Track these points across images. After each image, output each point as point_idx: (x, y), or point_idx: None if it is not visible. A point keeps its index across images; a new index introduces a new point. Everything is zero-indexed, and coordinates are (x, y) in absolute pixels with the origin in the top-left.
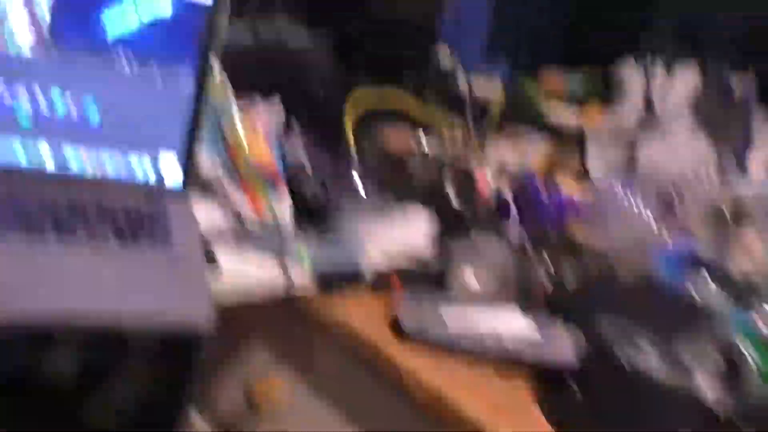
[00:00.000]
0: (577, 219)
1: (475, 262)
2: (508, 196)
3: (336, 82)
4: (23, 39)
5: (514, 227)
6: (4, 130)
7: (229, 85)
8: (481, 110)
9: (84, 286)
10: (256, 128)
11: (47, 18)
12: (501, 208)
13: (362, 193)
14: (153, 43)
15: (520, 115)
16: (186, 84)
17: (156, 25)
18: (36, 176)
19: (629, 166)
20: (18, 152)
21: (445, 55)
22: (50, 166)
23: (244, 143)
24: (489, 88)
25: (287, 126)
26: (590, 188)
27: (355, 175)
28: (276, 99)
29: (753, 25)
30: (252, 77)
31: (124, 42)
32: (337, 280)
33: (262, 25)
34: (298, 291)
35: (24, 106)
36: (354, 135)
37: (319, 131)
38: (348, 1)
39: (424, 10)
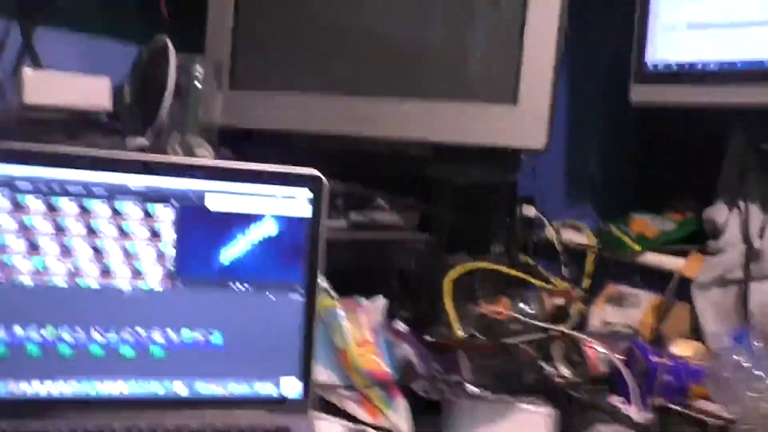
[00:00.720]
0: (698, 387)
1: None
2: (620, 364)
3: (428, 259)
4: (152, 275)
5: (634, 403)
6: (141, 363)
7: (332, 291)
8: (574, 261)
9: None
10: (363, 331)
11: (173, 255)
12: (614, 379)
13: (473, 388)
14: (264, 266)
15: (614, 261)
16: (297, 301)
17: (265, 249)
18: (168, 404)
19: (740, 315)
20: (154, 384)
21: (531, 212)
22: (182, 393)
23: (354, 350)
24: (579, 235)
25: (390, 317)
26: (707, 349)
27: (463, 368)
28: (378, 296)
29: None
30: (349, 268)
31: (239, 270)
32: None
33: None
34: None
35: (157, 339)
36: (454, 310)
37: (419, 314)
38: (424, 177)
39: (500, 173)
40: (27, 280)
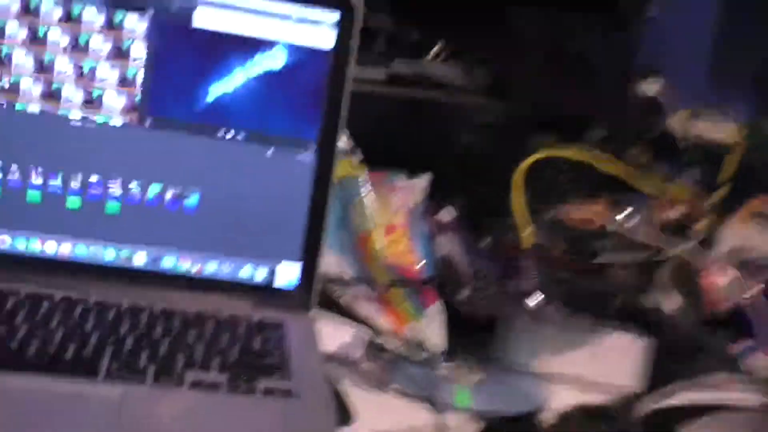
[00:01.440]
0: None
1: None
2: (754, 303)
3: (498, 135)
4: (112, 106)
5: (764, 353)
6: (91, 216)
7: (359, 156)
8: (708, 163)
9: None
10: (393, 215)
11: (141, 89)
12: (740, 321)
13: (539, 301)
14: (265, 110)
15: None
16: (307, 162)
17: (268, 88)
18: (121, 276)
19: None
20: (103, 248)
21: (653, 89)
22: (140, 263)
23: (379, 236)
24: (719, 131)
25: (436, 207)
26: None
27: (529, 275)
28: (423, 176)
29: None
30: (387, 133)
31: (231, 113)
32: (507, 426)
33: (398, 64)
34: None
35: (114, 191)
36: (526, 209)
37: (476, 207)
38: (503, 24)
39: (611, 25)
40: None
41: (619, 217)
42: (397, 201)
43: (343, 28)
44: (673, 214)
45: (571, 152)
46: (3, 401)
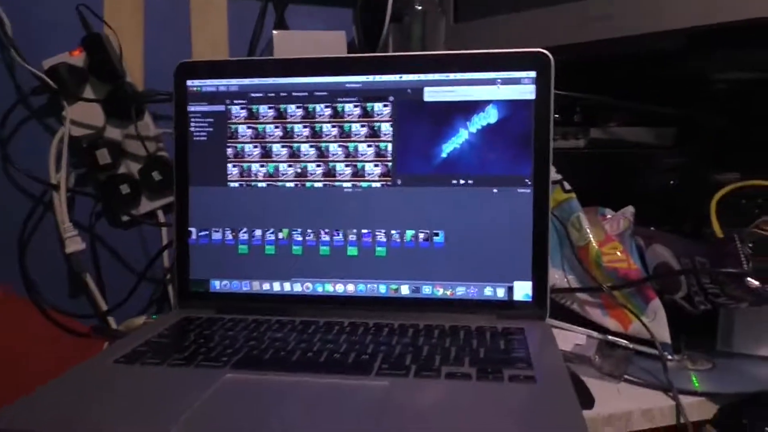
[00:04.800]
0: None
1: None
2: None
3: (688, 177)
4: (372, 174)
5: None
6: (366, 260)
7: (566, 184)
8: None
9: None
10: (605, 232)
11: (392, 157)
12: None
13: (757, 288)
14: (487, 157)
15: None
16: (527, 194)
17: (487, 139)
18: (392, 305)
19: None
20: (377, 284)
21: None
22: (405, 293)
23: (596, 247)
24: None
25: (643, 231)
26: None
27: (744, 266)
28: (627, 209)
29: None
30: (589, 183)
31: (460, 164)
32: (742, 406)
33: (594, 131)
34: (694, 426)
35: (381, 238)
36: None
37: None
38: (679, 78)
39: None
40: (262, 185)
41: None
42: (607, 227)
43: (541, 80)
44: None
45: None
46: (305, 392)
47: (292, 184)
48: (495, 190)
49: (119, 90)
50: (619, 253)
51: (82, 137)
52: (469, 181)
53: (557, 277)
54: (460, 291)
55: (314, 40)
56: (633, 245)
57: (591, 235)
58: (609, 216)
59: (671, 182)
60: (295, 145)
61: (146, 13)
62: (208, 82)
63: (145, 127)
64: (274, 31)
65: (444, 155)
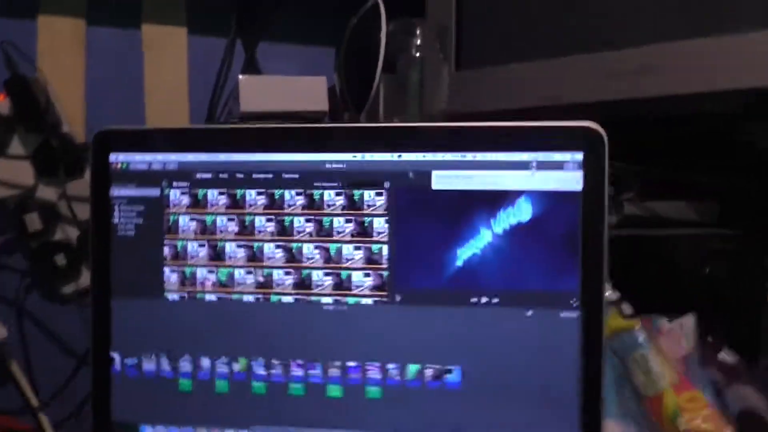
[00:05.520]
0: None
1: None
2: None
3: (737, 261)
4: (361, 287)
5: None
6: (353, 403)
7: (626, 305)
8: None
9: None
10: (673, 369)
11: (388, 258)
12: None
13: None
14: (518, 268)
15: None
16: (572, 319)
17: (518, 243)
18: None
19: None
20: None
21: None
22: None
23: (673, 399)
24: None
25: (711, 350)
26: None
27: None
28: (686, 320)
29: None
30: (624, 274)
31: (481, 277)
32: None
33: (628, 207)
34: None
35: (373, 374)
36: None
37: (733, 335)
38: (727, 147)
39: None
40: (211, 297)
41: None
42: (667, 348)
43: (591, 164)
44: None
45: None
46: None
47: (251, 298)
48: (529, 313)
49: (51, 142)
50: (705, 410)
51: (7, 198)
52: (494, 300)
53: (614, 431)
54: None
55: (288, 87)
56: (705, 378)
57: (664, 382)
58: (666, 329)
59: (706, 270)
60: (257, 244)
61: (89, 50)
62: (139, 156)
63: (83, 186)
64: (240, 76)
65: (459, 264)
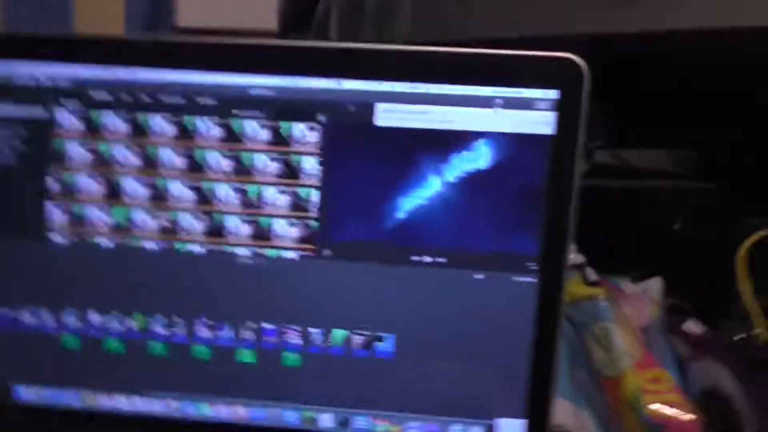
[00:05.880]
0: None
1: None
2: None
3: (710, 219)
4: (285, 238)
5: None
6: (268, 371)
7: (591, 271)
8: None
9: None
10: (638, 341)
11: (318, 205)
12: None
13: None
14: (472, 226)
15: None
16: (527, 285)
17: (472, 195)
18: None
19: None
20: (284, 409)
21: None
22: (327, 425)
23: (634, 381)
24: None
25: (675, 319)
26: None
27: None
28: (652, 284)
29: None
30: (588, 230)
31: (426, 233)
32: None
33: (600, 155)
34: None
35: (293, 339)
36: (755, 300)
37: (702, 301)
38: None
39: None
40: (105, 242)
41: None
42: (630, 316)
43: (565, 106)
44: None
45: None
46: None
47: (153, 245)
48: (479, 276)
49: None
50: (669, 394)
51: None
52: (439, 259)
53: (566, 413)
54: (414, 427)
55: (233, 1)
56: (668, 352)
57: (627, 361)
58: (629, 293)
59: (675, 226)
60: (161, 181)
61: None
62: (23, 67)
63: None
64: None
65: (401, 216)
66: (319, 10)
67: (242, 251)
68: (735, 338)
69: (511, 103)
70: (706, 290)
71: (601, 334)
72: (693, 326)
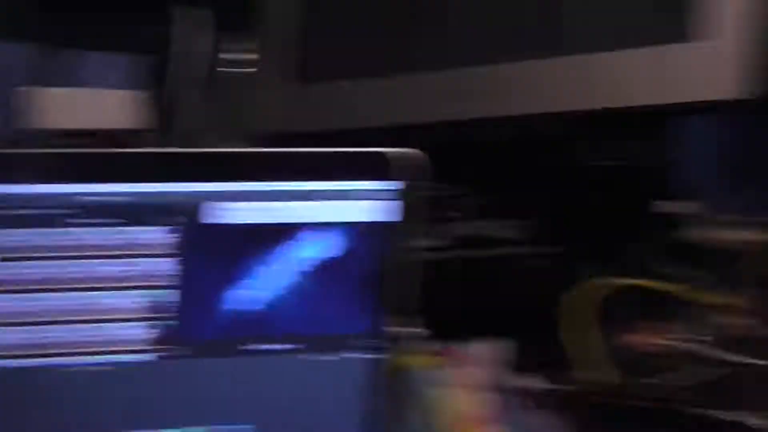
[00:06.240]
0: None
1: None
2: None
3: (549, 279)
4: (139, 341)
5: None
6: None
7: (437, 345)
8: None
9: None
10: (475, 403)
11: (172, 305)
12: None
13: None
14: (324, 312)
15: None
16: (374, 362)
17: (323, 282)
18: None
19: None
20: None
21: (682, 207)
22: None
23: None
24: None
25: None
26: None
27: None
28: (493, 341)
29: None
30: (441, 300)
31: (283, 323)
32: None
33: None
34: None
35: None
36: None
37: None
38: (551, 166)
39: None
40: None
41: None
42: (472, 378)
43: (408, 195)
44: (735, 322)
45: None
46: None
47: None
48: (330, 357)
49: None
50: None
51: None
52: (296, 346)
53: None
54: None
55: (87, 102)
56: (510, 409)
57: (466, 422)
58: (474, 356)
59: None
60: None
61: None
62: None
63: None
64: (20, 88)
65: (256, 307)
66: (181, 109)
67: (78, 360)
68: (573, 389)
69: (357, 195)
70: (547, 349)
71: (440, 401)
72: (535, 382)
